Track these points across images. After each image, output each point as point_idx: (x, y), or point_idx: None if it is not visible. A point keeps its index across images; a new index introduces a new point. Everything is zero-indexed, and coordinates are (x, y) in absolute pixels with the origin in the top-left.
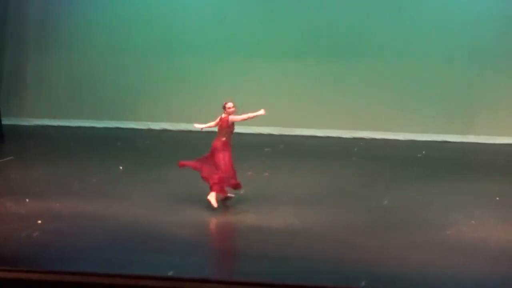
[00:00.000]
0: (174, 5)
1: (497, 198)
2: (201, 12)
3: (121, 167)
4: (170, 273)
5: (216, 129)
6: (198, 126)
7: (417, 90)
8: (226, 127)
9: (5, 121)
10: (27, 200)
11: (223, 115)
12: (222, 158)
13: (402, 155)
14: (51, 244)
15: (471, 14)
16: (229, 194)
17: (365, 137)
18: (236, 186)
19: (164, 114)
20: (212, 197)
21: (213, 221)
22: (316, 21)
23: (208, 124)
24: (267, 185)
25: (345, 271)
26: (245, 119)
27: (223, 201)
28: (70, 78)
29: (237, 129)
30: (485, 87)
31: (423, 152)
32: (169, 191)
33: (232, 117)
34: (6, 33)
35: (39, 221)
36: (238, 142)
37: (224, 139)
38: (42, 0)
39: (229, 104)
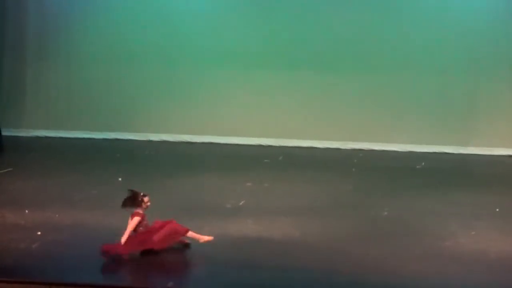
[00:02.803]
0: (173, 16)
1: (497, 209)
2: (200, 23)
3: (120, 179)
4: (169, 285)
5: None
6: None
7: (416, 101)
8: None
9: (4, 132)
10: (26, 211)
11: (140, 211)
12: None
13: (401, 166)
14: (51, 255)
15: (470, 24)
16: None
17: (364, 148)
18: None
19: (164, 126)
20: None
21: (212, 232)
22: (314, 33)
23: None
24: (267, 196)
25: (344, 282)
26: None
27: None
28: (69, 89)
29: (236, 140)
30: (484, 98)
31: (422, 163)
32: (168, 203)
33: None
34: (4, 44)
35: (39, 232)
36: (237, 153)
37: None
38: (40, 11)
39: (146, 199)
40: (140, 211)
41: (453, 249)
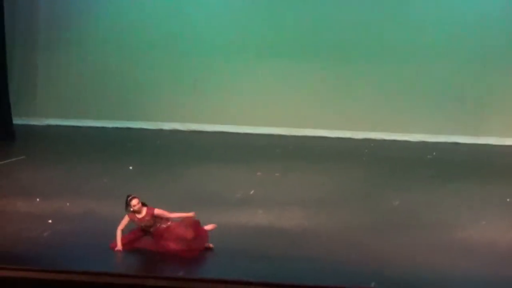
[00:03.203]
0: (184, 6)
1: (508, 200)
2: (211, 12)
3: (131, 167)
4: (180, 274)
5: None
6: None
7: (428, 91)
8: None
9: (16, 121)
10: (37, 199)
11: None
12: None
13: (413, 157)
14: (62, 244)
15: (482, 13)
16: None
17: (375, 138)
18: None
19: (175, 115)
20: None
21: (223, 222)
22: (326, 22)
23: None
24: (277, 186)
25: (354, 272)
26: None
27: None
28: (81, 78)
29: (247, 130)
30: (496, 88)
31: (434, 153)
32: (179, 191)
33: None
34: (16, 34)
35: (50, 221)
36: (248, 143)
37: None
38: (51, 0)
39: (134, 202)
40: (128, 213)
41: (463, 240)
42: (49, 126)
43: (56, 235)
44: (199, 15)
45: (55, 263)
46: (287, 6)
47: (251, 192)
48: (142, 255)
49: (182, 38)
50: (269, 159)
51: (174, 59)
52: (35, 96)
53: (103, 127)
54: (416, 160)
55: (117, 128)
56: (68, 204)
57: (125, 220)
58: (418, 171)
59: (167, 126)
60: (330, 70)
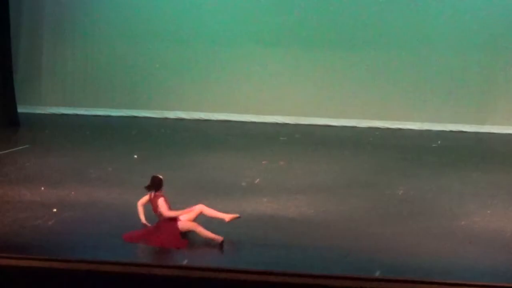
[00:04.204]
0: None
1: None
2: (216, 1)
3: (136, 156)
4: (184, 262)
5: None
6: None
7: (432, 79)
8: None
9: (21, 109)
10: (42, 188)
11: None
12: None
13: (417, 145)
14: (66, 232)
15: (488, 2)
16: None
17: (380, 127)
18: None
19: (179, 103)
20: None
21: (228, 210)
22: (331, 10)
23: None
24: (282, 174)
25: (359, 260)
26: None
27: None
28: (86, 67)
29: (252, 118)
30: (501, 77)
31: (439, 142)
32: (184, 180)
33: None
34: (21, 22)
35: (54, 210)
36: (253, 131)
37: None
38: None
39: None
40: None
41: (469, 228)
42: (53, 115)
43: (60, 224)
44: (205, 4)
45: (60, 252)
46: None
47: (257, 181)
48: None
49: (188, 27)
50: (274, 147)
51: (180, 48)
52: (40, 84)
53: (107, 116)
54: (421, 148)
55: (121, 116)
56: (73, 192)
57: (146, 198)
58: (423, 160)
59: (172, 114)
60: (335, 59)
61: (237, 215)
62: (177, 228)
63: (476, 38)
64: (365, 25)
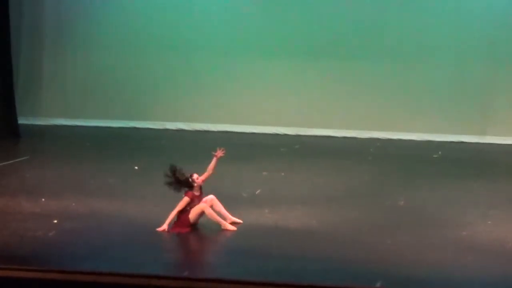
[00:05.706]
0: (189, 5)
1: None
2: (217, 11)
3: (136, 167)
4: (185, 274)
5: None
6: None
7: (433, 90)
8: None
9: (21, 121)
10: (43, 199)
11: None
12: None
13: (418, 156)
14: (67, 244)
15: (487, 12)
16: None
17: (381, 138)
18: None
19: (180, 114)
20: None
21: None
22: (332, 22)
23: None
24: (283, 185)
25: (360, 271)
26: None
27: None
28: (86, 78)
29: (253, 129)
30: (501, 87)
31: (439, 152)
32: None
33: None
34: (21, 33)
35: (55, 221)
36: (253, 142)
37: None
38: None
39: (195, 176)
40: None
41: (470, 239)
42: (54, 126)
43: (61, 235)
44: (205, 15)
45: (60, 263)
46: (294, 5)
47: (257, 192)
48: (148, 255)
49: (189, 38)
50: (274, 158)
51: (179, 59)
52: (41, 95)
53: (108, 127)
54: (421, 159)
55: (122, 127)
56: (73, 204)
57: (184, 201)
58: (424, 170)
59: (172, 125)
60: (336, 70)
61: (239, 220)
62: (187, 215)
63: (476, 49)
64: (366, 36)
